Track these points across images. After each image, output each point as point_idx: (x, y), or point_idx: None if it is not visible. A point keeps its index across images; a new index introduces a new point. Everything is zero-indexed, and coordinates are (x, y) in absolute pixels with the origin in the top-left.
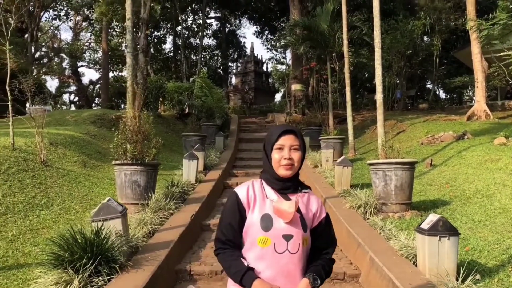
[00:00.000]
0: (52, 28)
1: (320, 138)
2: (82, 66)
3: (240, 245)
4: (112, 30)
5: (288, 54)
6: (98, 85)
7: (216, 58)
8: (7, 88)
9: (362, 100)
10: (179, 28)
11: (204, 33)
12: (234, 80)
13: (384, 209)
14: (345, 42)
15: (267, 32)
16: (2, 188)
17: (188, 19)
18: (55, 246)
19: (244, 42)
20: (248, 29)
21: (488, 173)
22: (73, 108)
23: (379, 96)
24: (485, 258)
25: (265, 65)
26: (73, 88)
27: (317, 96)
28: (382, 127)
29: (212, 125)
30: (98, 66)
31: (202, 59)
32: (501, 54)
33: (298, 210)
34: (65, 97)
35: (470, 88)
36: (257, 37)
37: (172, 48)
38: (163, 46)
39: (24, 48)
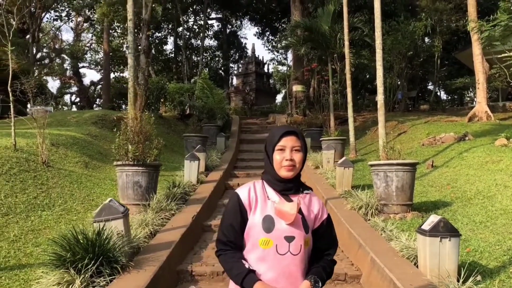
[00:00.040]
0: (53, 29)
1: (321, 139)
2: (83, 67)
3: (242, 246)
4: (113, 31)
5: (289, 55)
6: (99, 86)
7: (217, 59)
8: (9, 89)
9: (363, 101)
10: (180, 29)
11: (205, 34)
12: (235, 81)
13: (385, 210)
14: (346, 43)
15: (268, 33)
16: (4, 189)
17: (190, 20)
18: (57, 247)
19: (245, 43)
20: (249, 30)
21: (489, 174)
22: (74, 109)
23: (380, 97)
24: (486, 259)
25: (266, 66)
26: (74, 89)
27: (318, 97)
28: (383, 128)
29: (213, 126)
30: (99, 67)
31: (203, 60)
32: (502, 55)
33: (299, 211)
34: (66, 98)
35: (471, 90)
36: (258, 38)
37: (173, 49)
38: (164, 47)
39: (25, 49)
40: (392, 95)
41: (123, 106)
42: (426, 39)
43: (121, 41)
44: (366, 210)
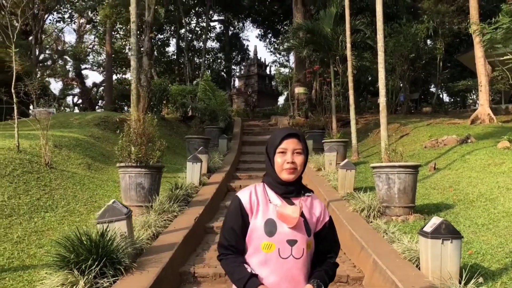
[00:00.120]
0: (56, 30)
1: (323, 141)
2: (86, 68)
3: (243, 250)
4: (116, 32)
5: (292, 57)
6: (101, 88)
7: (219, 61)
8: (13, 91)
9: (366, 103)
10: (182, 31)
11: (208, 36)
12: (237, 83)
13: (387, 212)
14: (348, 45)
15: (270, 35)
16: (7, 190)
17: (192, 22)
18: (61, 248)
19: (247, 45)
20: (252, 32)
21: (491, 176)
22: (76, 110)
23: (382, 100)
24: (488, 261)
25: (268, 68)
26: (76, 90)
27: (320, 99)
28: (385, 130)
29: (216, 128)
30: (101, 68)
31: (206, 62)
32: (504, 58)
33: (301, 214)
34: (69, 99)
35: (473, 92)
36: (260, 40)
37: (175, 51)
38: (167, 49)
39: (28, 50)
40: (394, 97)
41: (126, 108)
42: (428, 42)
43: (124, 43)
44: (368, 212)
